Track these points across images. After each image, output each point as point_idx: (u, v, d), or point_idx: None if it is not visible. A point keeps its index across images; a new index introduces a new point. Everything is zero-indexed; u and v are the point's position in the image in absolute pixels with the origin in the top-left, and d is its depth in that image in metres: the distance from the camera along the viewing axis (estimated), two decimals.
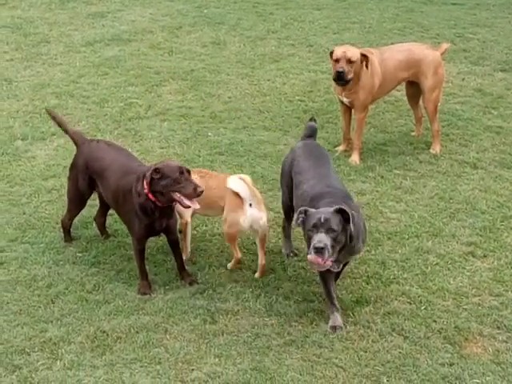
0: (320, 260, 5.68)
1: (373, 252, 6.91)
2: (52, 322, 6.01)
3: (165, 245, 6.90)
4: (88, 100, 9.88)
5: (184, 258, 6.64)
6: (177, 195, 6.20)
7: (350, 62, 8.03)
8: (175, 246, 6.56)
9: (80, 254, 6.84)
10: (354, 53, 8.07)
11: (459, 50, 11.61)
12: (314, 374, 5.57)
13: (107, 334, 5.89)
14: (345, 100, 8.39)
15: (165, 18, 13.04)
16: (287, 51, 11.64)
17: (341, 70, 8.03)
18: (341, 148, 8.64)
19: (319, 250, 5.67)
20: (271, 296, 6.35)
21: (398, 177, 8.11)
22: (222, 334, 5.93)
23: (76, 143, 6.96)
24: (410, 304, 6.26)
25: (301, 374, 5.56)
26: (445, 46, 8.69)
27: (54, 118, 7.29)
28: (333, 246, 5.73)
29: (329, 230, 5.71)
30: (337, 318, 6.01)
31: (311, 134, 6.98)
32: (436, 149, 8.59)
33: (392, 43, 11.30)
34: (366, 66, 8.12)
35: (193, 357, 5.71)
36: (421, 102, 8.72)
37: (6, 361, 5.63)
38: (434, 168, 8.30)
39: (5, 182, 7.93)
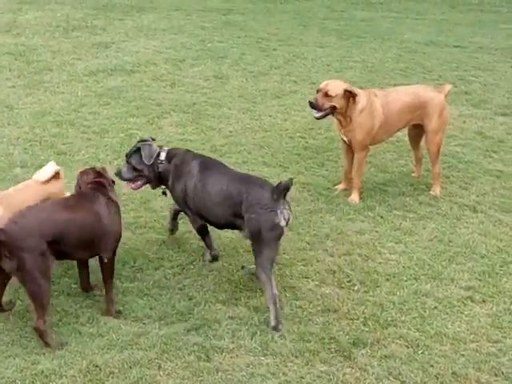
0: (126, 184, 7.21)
1: (370, 293, 6.85)
2: (44, 354, 5.92)
3: (161, 278, 6.86)
4: (88, 130, 9.86)
5: None
6: None
7: (327, 95, 8.08)
8: None
9: (75, 286, 6.75)
10: (334, 87, 8.10)
11: (461, 93, 11.65)
12: None
13: (100, 369, 5.80)
14: (344, 138, 8.38)
15: (168, 51, 13.08)
16: (289, 87, 11.67)
17: (312, 100, 8.16)
18: (341, 186, 8.61)
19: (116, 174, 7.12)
20: (267, 334, 6.27)
21: (397, 217, 8.07)
22: (217, 372, 5.85)
23: None
24: (408, 348, 6.18)
25: None
26: (447, 87, 8.70)
27: None
28: (130, 173, 7.13)
29: (128, 162, 7.13)
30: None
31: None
32: (436, 191, 8.57)
33: (395, 84, 11.39)
34: (354, 101, 8.11)
35: None
36: (422, 143, 8.71)
37: None
38: (433, 210, 8.27)
39: None
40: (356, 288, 6.91)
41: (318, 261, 7.30)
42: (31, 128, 9.84)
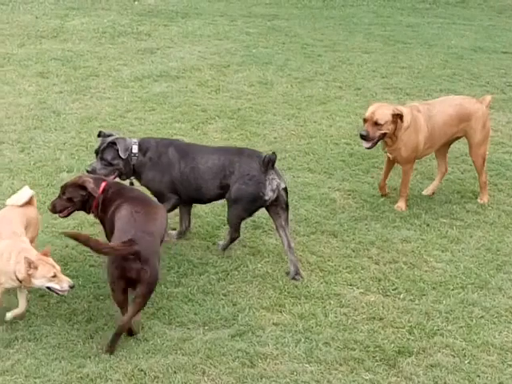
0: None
1: (416, 302, 6.78)
2: (90, 357, 5.96)
3: (205, 284, 6.87)
4: (134, 135, 9.84)
5: None
6: None
7: (376, 124, 7.94)
8: None
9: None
10: (382, 115, 7.93)
11: (509, 100, 11.51)
12: None
13: (145, 373, 5.83)
14: (389, 155, 8.32)
15: (213, 57, 13.11)
16: (334, 93, 11.63)
17: (364, 133, 7.98)
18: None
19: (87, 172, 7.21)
20: (311, 342, 6.25)
21: (444, 225, 7.99)
22: (261, 379, 5.83)
23: None
24: (454, 357, 6.11)
25: None
26: (488, 98, 8.57)
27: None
28: (104, 169, 7.23)
29: (101, 159, 7.25)
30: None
31: None
32: (484, 199, 8.47)
33: (441, 89, 11.31)
34: (401, 121, 7.97)
35: None
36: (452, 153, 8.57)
37: None
38: (480, 218, 8.17)
39: (49, 214, 7.91)
40: (402, 296, 6.85)
41: (362, 268, 7.25)
42: (77, 133, 9.92)
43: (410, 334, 6.37)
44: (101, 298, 6.69)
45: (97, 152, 7.36)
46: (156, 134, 9.85)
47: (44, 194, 8.23)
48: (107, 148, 7.28)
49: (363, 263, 7.33)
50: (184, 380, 5.78)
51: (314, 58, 13.23)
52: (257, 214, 7.88)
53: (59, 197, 6.82)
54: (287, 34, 14.80)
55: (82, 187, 6.65)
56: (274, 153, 7.07)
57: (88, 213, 6.83)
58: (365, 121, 8.02)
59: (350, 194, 8.59)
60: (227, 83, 11.91)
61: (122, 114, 10.59)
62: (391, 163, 8.43)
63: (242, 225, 7.31)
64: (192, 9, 16.66)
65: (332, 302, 6.76)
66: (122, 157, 7.22)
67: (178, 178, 7.20)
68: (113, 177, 7.26)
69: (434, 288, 6.97)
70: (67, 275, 6.86)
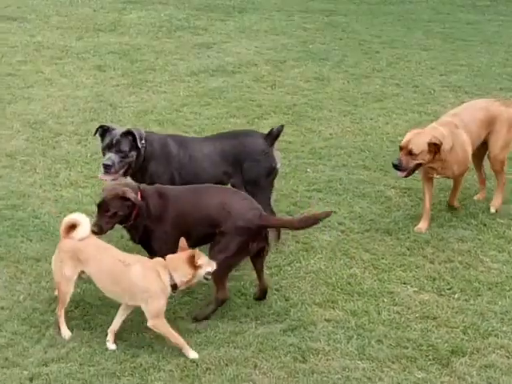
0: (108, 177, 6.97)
1: (471, 302, 6.71)
2: (143, 347, 6.01)
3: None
4: (190, 129, 9.96)
5: None
6: None
7: (411, 153, 7.50)
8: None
9: None
10: (417, 145, 7.46)
11: None
12: None
13: (197, 365, 5.86)
14: (437, 177, 7.95)
15: (269, 52, 13.11)
16: (392, 90, 11.54)
17: (396, 162, 7.57)
18: (421, 226, 7.80)
19: (107, 167, 6.95)
20: (364, 339, 6.22)
21: (501, 226, 7.87)
22: (312, 374, 5.83)
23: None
24: (508, 358, 6.03)
25: None
26: None
27: None
28: (121, 162, 6.96)
29: (118, 151, 6.96)
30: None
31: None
32: (496, 204, 8.13)
33: (501, 88, 11.17)
34: (438, 151, 7.50)
35: None
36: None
37: (96, 383, 5.64)
38: None
39: None
40: (456, 296, 6.78)
41: (417, 267, 7.19)
42: (133, 126, 9.97)
43: (464, 334, 6.30)
44: None
45: (109, 146, 7.04)
46: (211, 129, 9.89)
47: (100, 186, 8.29)
48: (122, 139, 7.03)
49: (418, 262, 7.27)
50: (235, 373, 5.79)
51: (371, 55, 13.14)
52: (310, 209, 7.92)
53: (101, 215, 6.35)
54: (344, 30, 14.72)
55: (126, 198, 6.31)
56: (282, 126, 7.43)
57: (125, 223, 6.50)
58: (401, 149, 7.59)
59: (405, 192, 8.52)
60: (283, 79, 11.89)
61: (178, 108, 10.65)
62: (431, 184, 7.95)
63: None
64: (249, 3, 16.66)
65: (385, 300, 6.72)
66: (139, 146, 7.00)
67: (177, 167, 7.12)
68: (122, 176, 7.07)
69: (489, 288, 6.89)
70: None
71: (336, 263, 7.22)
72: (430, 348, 6.12)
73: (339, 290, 6.84)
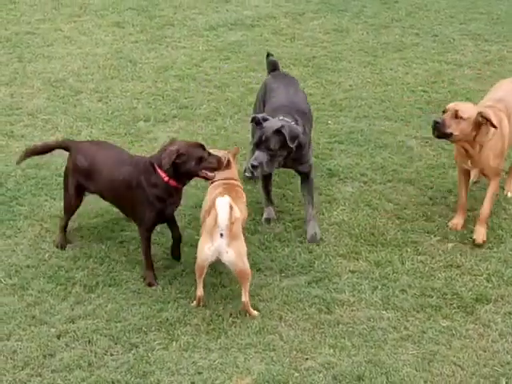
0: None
1: (495, 249, 6.72)
2: (169, 302, 6.08)
3: (282, 232, 6.91)
4: (210, 84, 9.94)
5: None
6: (202, 172, 6.22)
7: (457, 116, 6.72)
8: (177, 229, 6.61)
9: (198, 237, 6.84)
10: (466, 109, 6.76)
11: None
12: (431, 371, 5.46)
13: (222, 318, 5.92)
14: (471, 167, 7.10)
15: (288, 4, 12.98)
16: (411, 40, 11.43)
17: (438, 119, 6.77)
18: (459, 223, 7.10)
19: (254, 167, 6.57)
20: (388, 289, 6.26)
21: None
22: (337, 325, 5.88)
23: (66, 149, 6.82)
24: None
25: (417, 370, 5.46)
26: None
27: (31, 154, 6.99)
28: (270, 161, 6.58)
29: (267, 149, 6.55)
30: (270, 211, 7.06)
31: (274, 67, 7.70)
32: None
33: None
34: (493, 126, 6.73)
35: (307, 346, 5.67)
36: None
37: (123, 339, 5.72)
38: None
39: None
40: None
41: (440, 216, 7.19)
42: (154, 82, 9.98)
43: (488, 281, 6.32)
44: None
45: (257, 143, 6.62)
46: (231, 83, 9.87)
47: (122, 142, 8.32)
48: (273, 137, 6.55)
49: (441, 211, 7.27)
50: (261, 325, 5.85)
51: (390, 5, 12.98)
52: (333, 162, 7.92)
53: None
54: None
55: None
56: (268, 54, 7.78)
57: None
58: (443, 112, 6.88)
59: (427, 142, 8.47)
60: (302, 31, 11.80)
61: (198, 63, 10.61)
62: (467, 179, 7.20)
63: (318, 173, 7.29)
64: None
65: (409, 250, 6.74)
66: (291, 146, 6.58)
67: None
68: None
69: None
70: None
71: (359, 214, 7.23)
72: (455, 296, 6.15)
73: (363, 241, 6.86)
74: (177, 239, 6.60)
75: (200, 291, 6.01)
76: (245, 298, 5.94)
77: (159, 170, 6.21)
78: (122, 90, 9.75)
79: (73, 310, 6.03)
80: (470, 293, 6.19)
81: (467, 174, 7.17)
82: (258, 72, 10.23)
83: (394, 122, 8.97)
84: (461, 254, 6.65)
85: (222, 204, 5.81)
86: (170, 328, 5.82)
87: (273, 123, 6.60)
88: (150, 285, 6.29)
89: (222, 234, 5.83)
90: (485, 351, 5.62)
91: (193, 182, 7.47)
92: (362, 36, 11.62)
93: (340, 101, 9.50)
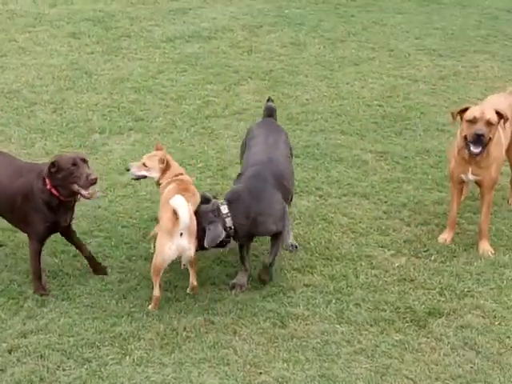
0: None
1: (447, 263, 6.78)
2: (123, 317, 6.03)
3: (237, 246, 6.89)
4: (166, 96, 9.93)
5: None
6: (75, 187, 6.13)
7: (488, 124, 6.58)
8: (77, 240, 6.54)
9: (153, 251, 6.83)
10: (493, 114, 6.62)
11: None
12: None
13: (177, 332, 5.89)
14: (470, 178, 6.94)
15: (245, 17, 13.04)
16: (367, 55, 11.54)
17: (480, 132, 6.52)
18: (448, 238, 7.10)
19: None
20: (342, 303, 6.28)
21: (476, 188, 7.90)
22: (292, 339, 5.88)
23: None
24: (484, 318, 6.12)
25: None
26: None
27: None
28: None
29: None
30: (242, 278, 6.46)
31: (270, 114, 7.25)
32: None
33: (475, 51, 11.21)
34: (504, 123, 6.76)
35: (261, 360, 5.67)
36: None
37: (76, 354, 5.66)
38: None
39: None
40: (433, 258, 6.85)
41: (394, 230, 7.25)
42: (109, 94, 9.94)
43: (441, 295, 6.38)
44: (133, 258, 6.75)
45: None
46: (188, 96, 9.87)
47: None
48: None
49: (395, 225, 7.33)
50: (216, 340, 5.83)
51: (346, 19, 13.11)
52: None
53: None
54: None
55: None
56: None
57: None
58: (473, 122, 6.60)
59: (382, 156, 8.55)
60: (259, 44, 11.85)
61: (154, 75, 10.59)
62: (460, 193, 7.16)
63: None
64: None
65: (363, 264, 6.77)
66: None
67: None
68: None
69: (465, 250, 6.96)
70: (99, 236, 6.98)
71: (314, 228, 7.26)
72: (408, 310, 6.19)
73: (317, 254, 6.88)
74: (88, 256, 6.53)
75: (157, 292, 6.04)
76: (195, 281, 6.23)
77: (46, 179, 6.19)
78: (76, 101, 9.69)
79: (25, 324, 5.96)
80: (423, 306, 6.24)
81: (461, 188, 7.15)
82: (215, 85, 10.27)
83: (349, 136, 9.03)
84: (414, 268, 6.70)
85: (180, 204, 5.87)
86: (123, 343, 5.78)
87: (203, 215, 6.24)
88: (42, 294, 6.24)
89: (181, 234, 5.94)
90: (437, 365, 5.66)
91: (148, 195, 7.51)
92: (319, 50, 11.69)
93: (296, 114, 9.54)
